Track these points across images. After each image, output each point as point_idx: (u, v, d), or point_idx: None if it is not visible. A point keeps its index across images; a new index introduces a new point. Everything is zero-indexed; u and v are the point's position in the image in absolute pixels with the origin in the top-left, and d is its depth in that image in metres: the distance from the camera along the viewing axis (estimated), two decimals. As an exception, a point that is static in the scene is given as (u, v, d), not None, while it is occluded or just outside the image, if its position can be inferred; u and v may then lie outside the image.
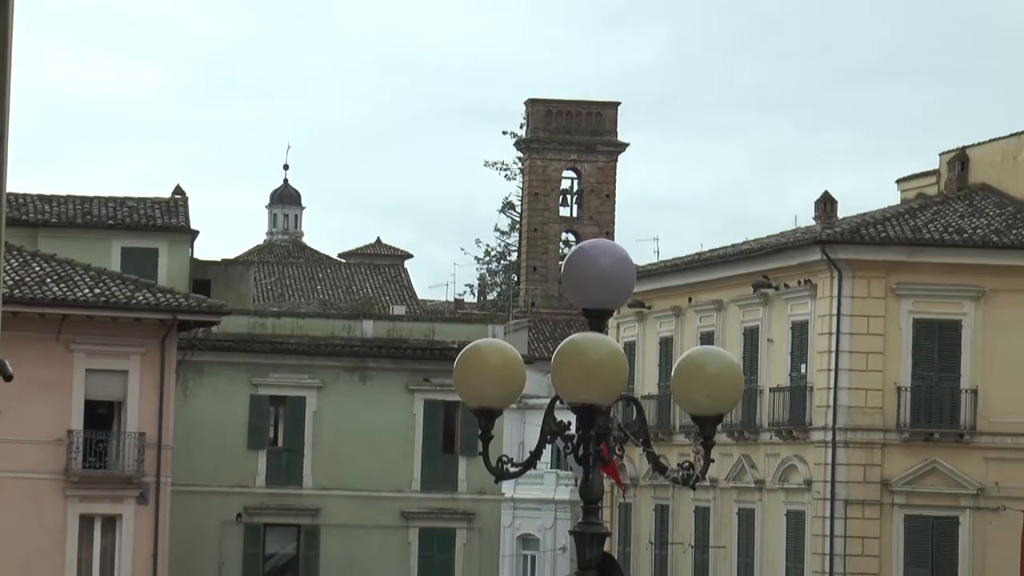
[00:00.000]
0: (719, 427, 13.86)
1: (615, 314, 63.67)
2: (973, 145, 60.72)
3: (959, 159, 60.60)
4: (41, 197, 66.05)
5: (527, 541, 75.32)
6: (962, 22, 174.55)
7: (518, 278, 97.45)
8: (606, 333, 13.49)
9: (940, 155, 62.26)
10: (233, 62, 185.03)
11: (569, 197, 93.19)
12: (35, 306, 53.18)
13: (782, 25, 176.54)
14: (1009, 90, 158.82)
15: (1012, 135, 59.54)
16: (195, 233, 66.17)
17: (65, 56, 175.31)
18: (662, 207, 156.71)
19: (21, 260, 55.48)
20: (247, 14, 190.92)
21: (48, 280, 55.35)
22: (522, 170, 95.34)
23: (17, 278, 53.40)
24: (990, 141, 60.30)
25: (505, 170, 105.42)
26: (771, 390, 56.95)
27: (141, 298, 55.88)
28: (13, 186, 56.89)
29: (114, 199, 67.08)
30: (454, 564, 65.57)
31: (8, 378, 18.38)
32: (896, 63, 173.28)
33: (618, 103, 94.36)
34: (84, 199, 66.75)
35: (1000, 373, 53.97)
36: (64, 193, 66.99)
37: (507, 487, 65.44)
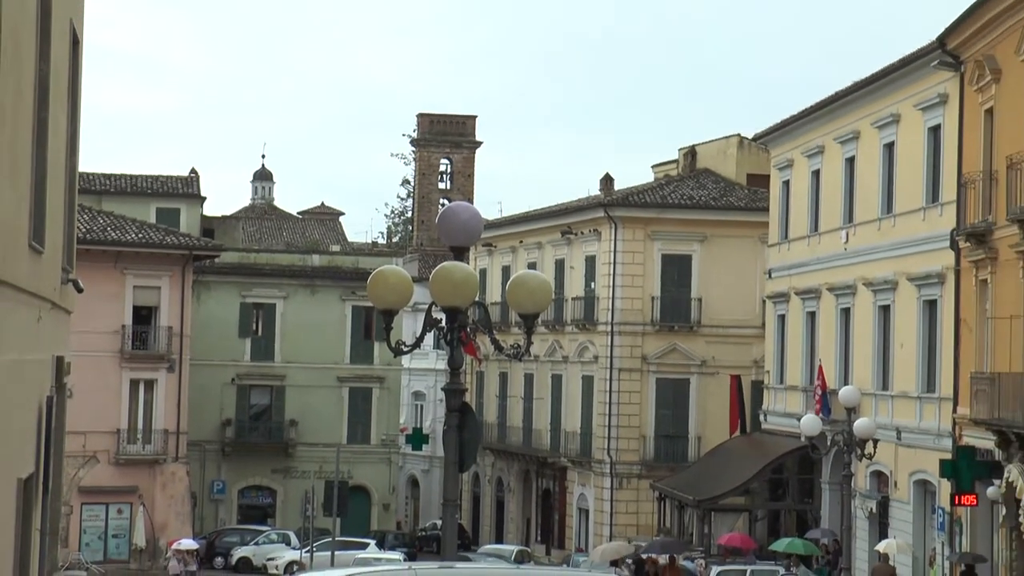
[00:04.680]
0: (538, 321, 13.91)
1: (472, 250, 63.85)
2: (699, 143, 61.17)
3: (691, 152, 61.04)
4: (103, 174, 65.35)
5: (417, 395, 75.35)
6: (692, 62, 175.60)
7: (412, 228, 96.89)
8: (465, 262, 13.47)
9: (679, 149, 62.65)
10: (226, 87, 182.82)
11: (445, 176, 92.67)
12: (100, 245, 52.56)
13: (576, 64, 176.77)
14: (723, 106, 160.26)
15: (723, 137, 60.08)
16: (204, 198, 65.74)
17: (117, 84, 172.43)
18: (504, 182, 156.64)
19: (90, 215, 54.84)
20: (235, 56, 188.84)
21: (108, 228, 54.73)
22: (415, 158, 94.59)
23: (88, 227, 52.74)
24: (710, 141, 60.77)
25: (404, 159, 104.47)
26: (572, 298, 57.22)
27: (169, 240, 55.40)
28: (84, 167, 56.06)
29: (151, 176, 66.54)
30: (371, 410, 65.77)
31: (80, 291, 18.14)
32: (649, 88, 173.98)
33: (476, 116, 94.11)
34: (132, 175, 66.13)
35: (715, 288, 54.47)
36: (118, 172, 66.32)
37: (405, 360, 65.44)
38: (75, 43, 16.35)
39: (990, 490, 31.92)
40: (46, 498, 15.55)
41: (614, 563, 40.91)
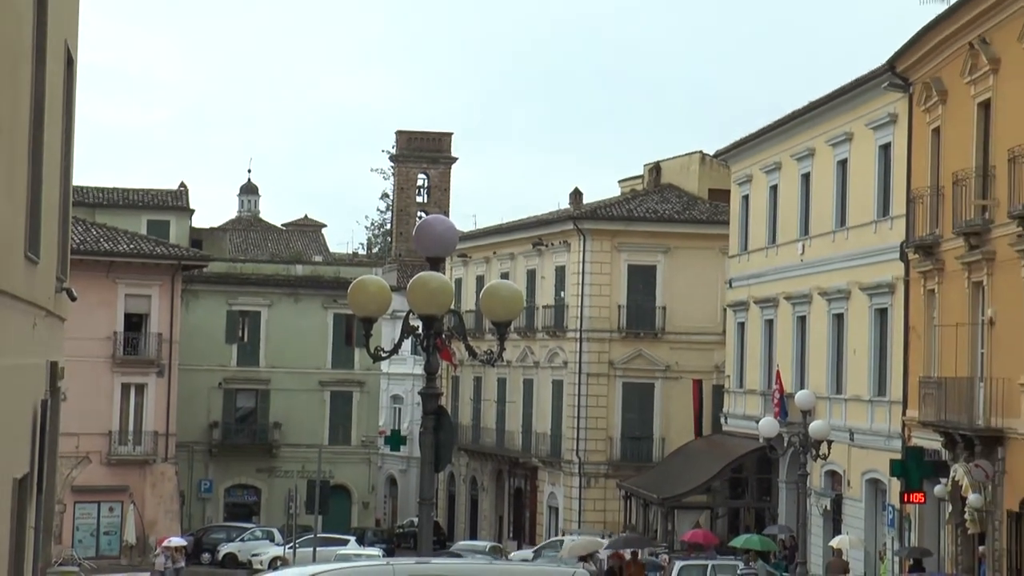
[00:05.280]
0: (511, 328, 13.94)
1: (448, 260, 63.81)
2: (664, 160, 61.27)
3: (655, 168, 61.13)
4: (96, 188, 65.05)
5: (395, 398, 75.16)
6: (657, 82, 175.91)
7: (391, 239, 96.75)
8: (441, 272, 13.49)
9: (644, 165, 62.80)
10: (214, 105, 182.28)
11: (422, 190, 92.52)
12: (93, 255, 52.35)
13: (547, 84, 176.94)
14: (686, 125, 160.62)
15: (686, 154, 60.16)
16: (192, 211, 65.55)
17: (110, 101, 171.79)
18: (479, 196, 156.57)
19: (84, 227, 54.59)
20: (223, 75, 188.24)
21: (101, 239, 54.54)
22: (394, 173, 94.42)
23: (82, 238, 52.53)
24: (674, 157, 60.85)
25: (383, 174, 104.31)
26: (543, 307, 57.25)
27: (159, 251, 55.25)
28: (78, 181, 55.90)
29: (142, 189, 66.35)
30: (352, 413, 65.62)
31: (73, 299, 18.08)
32: (616, 107, 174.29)
33: (451, 133, 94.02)
34: (123, 189, 65.91)
35: (678, 297, 54.54)
36: (111, 186, 66.07)
37: (384, 365, 65.20)
38: (69, 62, 16.32)
39: (937, 488, 32.09)
40: (40, 497, 15.49)
41: (583, 559, 40.82)
